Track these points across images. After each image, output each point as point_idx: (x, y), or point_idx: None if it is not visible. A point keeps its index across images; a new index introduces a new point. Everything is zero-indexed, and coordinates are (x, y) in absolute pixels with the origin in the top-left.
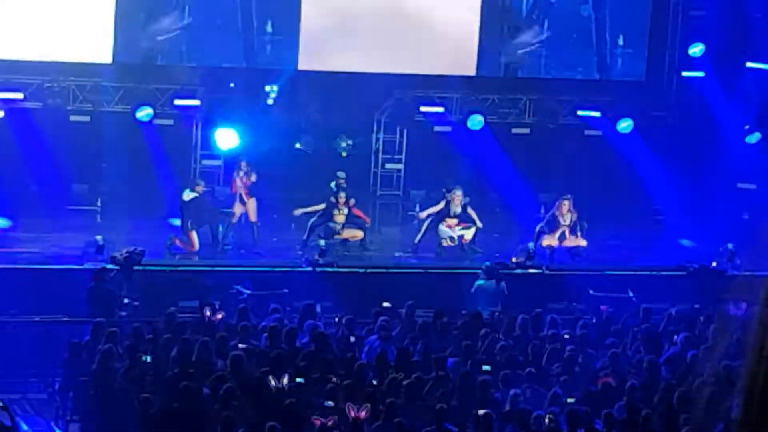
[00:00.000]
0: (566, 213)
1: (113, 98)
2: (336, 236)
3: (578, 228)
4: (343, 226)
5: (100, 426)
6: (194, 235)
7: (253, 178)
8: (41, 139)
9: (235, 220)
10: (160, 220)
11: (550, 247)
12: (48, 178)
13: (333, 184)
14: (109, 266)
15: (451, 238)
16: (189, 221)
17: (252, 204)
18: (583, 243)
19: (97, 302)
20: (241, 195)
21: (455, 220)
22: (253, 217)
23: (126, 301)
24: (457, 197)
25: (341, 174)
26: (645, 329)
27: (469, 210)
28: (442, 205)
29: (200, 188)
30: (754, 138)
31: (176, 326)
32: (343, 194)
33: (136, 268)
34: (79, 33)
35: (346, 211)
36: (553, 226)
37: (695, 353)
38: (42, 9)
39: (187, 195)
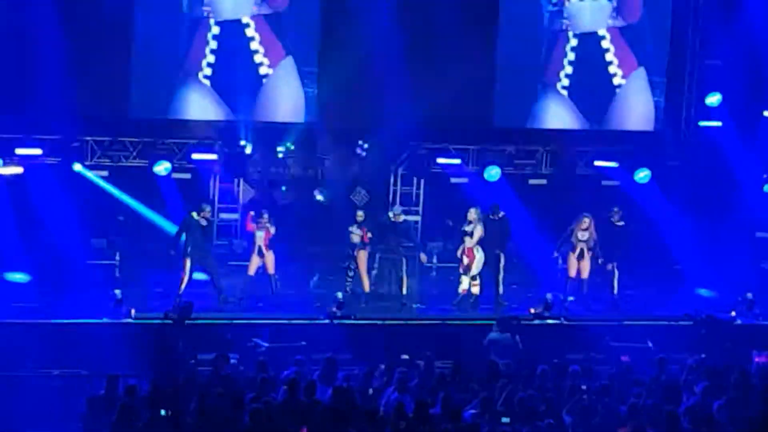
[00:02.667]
0: (584, 230)
1: (131, 153)
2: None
3: (597, 254)
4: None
5: None
6: (188, 262)
7: (273, 230)
8: (60, 195)
9: (252, 272)
10: (178, 273)
11: (577, 278)
12: (66, 232)
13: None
14: (166, 321)
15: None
16: (189, 247)
17: (270, 256)
18: (608, 267)
19: (157, 358)
20: (260, 247)
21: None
22: (271, 270)
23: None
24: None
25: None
26: (664, 379)
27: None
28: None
29: (206, 213)
30: None
31: (194, 379)
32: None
33: (187, 321)
34: (97, 88)
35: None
36: (570, 245)
37: (720, 404)
38: (59, 65)
39: (197, 218)
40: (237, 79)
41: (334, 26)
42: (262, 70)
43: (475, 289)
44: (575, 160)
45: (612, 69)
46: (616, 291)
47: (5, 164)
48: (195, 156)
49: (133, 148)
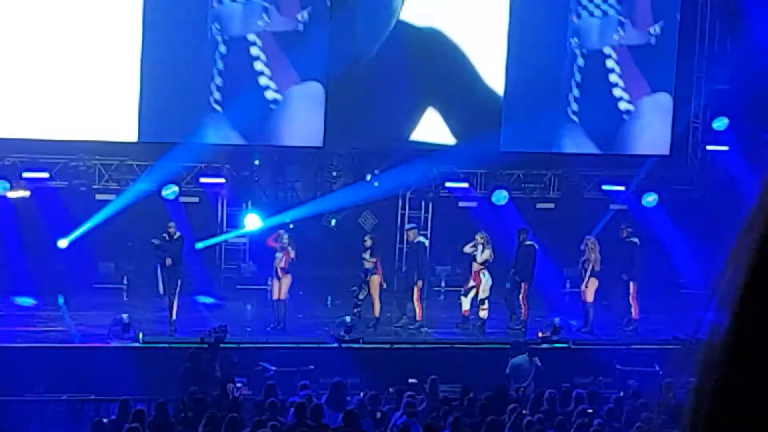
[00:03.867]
0: (590, 251)
1: (139, 176)
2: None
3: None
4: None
5: None
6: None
7: (292, 253)
8: (67, 218)
9: (276, 296)
10: (186, 297)
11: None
12: (74, 256)
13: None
14: (202, 346)
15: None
16: (168, 258)
17: (286, 281)
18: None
19: (194, 382)
20: (277, 270)
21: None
22: (284, 294)
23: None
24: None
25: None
26: (671, 403)
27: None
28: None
29: (170, 229)
30: None
31: (201, 403)
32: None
33: (222, 345)
34: (104, 112)
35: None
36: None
37: None
38: (67, 89)
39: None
40: (244, 104)
41: (342, 48)
42: (269, 95)
43: (483, 313)
44: (583, 184)
45: (617, 92)
46: (635, 314)
47: (12, 188)
48: (203, 180)
49: (141, 171)
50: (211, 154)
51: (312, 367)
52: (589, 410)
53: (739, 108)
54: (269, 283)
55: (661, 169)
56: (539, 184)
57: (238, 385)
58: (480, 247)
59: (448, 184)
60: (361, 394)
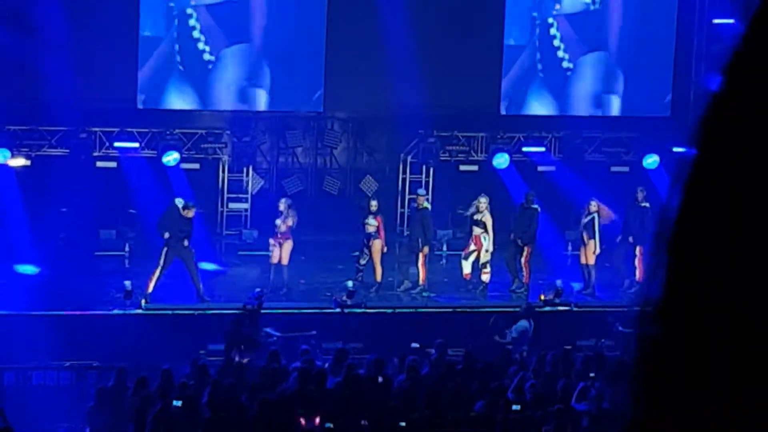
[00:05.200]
0: (587, 215)
1: (140, 144)
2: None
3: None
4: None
5: None
6: (165, 253)
7: (290, 221)
8: (68, 186)
9: (274, 261)
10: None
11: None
12: (75, 224)
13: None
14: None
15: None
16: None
17: (288, 246)
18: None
19: (237, 345)
20: (278, 235)
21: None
22: (285, 260)
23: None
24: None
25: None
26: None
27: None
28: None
29: (190, 213)
30: None
31: (204, 370)
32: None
33: (262, 311)
34: (105, 79)
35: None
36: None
37: None
38: (69, 56)
39: (182, 211)
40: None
41: (341, 15)
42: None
43: (485, 277)
44: (584, 147)
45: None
46: (640, 277)
47: (13, 156)
48: (203, 146)
49: (142, 138)
50: (211, 120)
51: (314, 332)
52: (591, 374)
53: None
54: (270, 247)
55: (662, 130)
56: (540, 147)
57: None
58: (484, 211)
59: (449, 148)
60: (366, 360)
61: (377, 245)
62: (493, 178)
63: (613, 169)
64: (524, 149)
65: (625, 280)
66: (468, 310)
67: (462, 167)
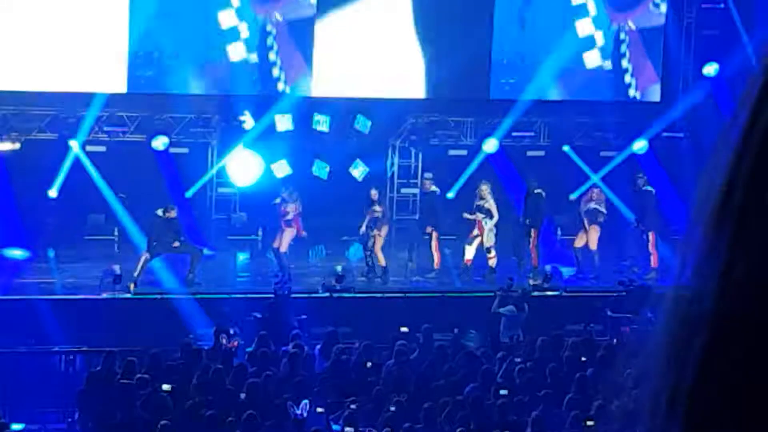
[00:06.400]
0: (588, 201)
1: (129, 128)
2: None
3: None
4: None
5: None
6: (146, 257)
7: (290, 208)
8: (57, 170)
9: (282, 248)
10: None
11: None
12: (64, 208)
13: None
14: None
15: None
16: (153, 243)
17: (289, 234)
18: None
19: (272, 330)
20: (281, 222)
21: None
22: (284, 247)
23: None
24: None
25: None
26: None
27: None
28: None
29: (172, 213)
30: None
31: (193, 354)
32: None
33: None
34: (93, 63)
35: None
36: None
37: None
38: (56, 40)
39: (162, 215)
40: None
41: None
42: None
43: (492, 261)
44: (573, 132)
45: None
46: (655, 263)
47: (2, 140)
48: (193, 130)
49: (131, 122)
50: (199, 105)
51: (304, 317)
52: (582, 358)
53: (729, 53)
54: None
55: (652, 115)
56: (529, 132)
57: (232, 333)
58: (486, 197)
59: (438, 133)
60: (355, 344)
61: (383, 231)
62: (482, 162)
63: (602, 153)
64: (513, 134)
65: (635, 267)
66: (457, 294)
67: (451, 152)
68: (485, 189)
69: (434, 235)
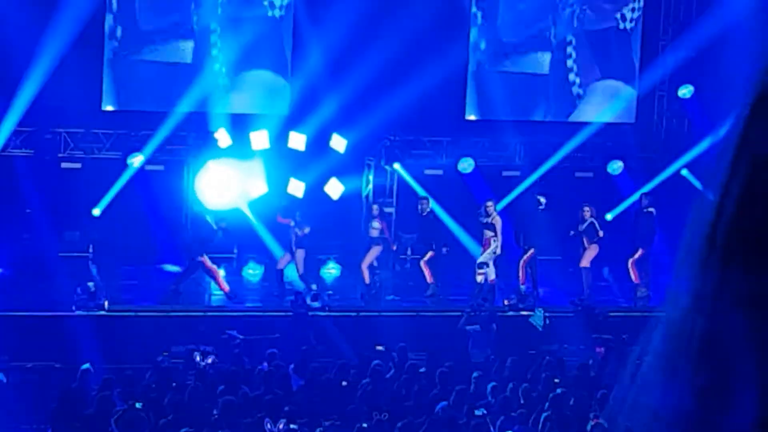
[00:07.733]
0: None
1: (104, 145)
2: None
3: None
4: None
5: None
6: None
7: (305, 230)
8: (32, 187)
9: (299, 269)
10: (152, 266)
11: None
12: (39, 225)
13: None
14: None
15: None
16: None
17: (301, 255)
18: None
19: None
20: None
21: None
22: (300, 269)
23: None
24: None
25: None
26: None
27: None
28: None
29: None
30: None
31: (167, 372)
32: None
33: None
34: (69, 80)
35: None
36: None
37: None
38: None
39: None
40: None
41: (308, 18)
42: None
43: (480, 278)
44: (549, 152)
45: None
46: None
47: None
48: (168, 147)
49: (107, 139)
50: (174, 122)
51: (278, 335)
52: (557, 378)
53: (705, 75)
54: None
55: (627, 136)
56: (505, 152)
57: (207, 352)
58: (492, 214)
59: (413, 152)
60: (329, 363)
61: (374, 251)
62: (457, 182)
63: (578, 174)
64: (489, 154)
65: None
66: (432, 313)
67: (427, 171)
68: (490, 206)
69: (427, 255)
